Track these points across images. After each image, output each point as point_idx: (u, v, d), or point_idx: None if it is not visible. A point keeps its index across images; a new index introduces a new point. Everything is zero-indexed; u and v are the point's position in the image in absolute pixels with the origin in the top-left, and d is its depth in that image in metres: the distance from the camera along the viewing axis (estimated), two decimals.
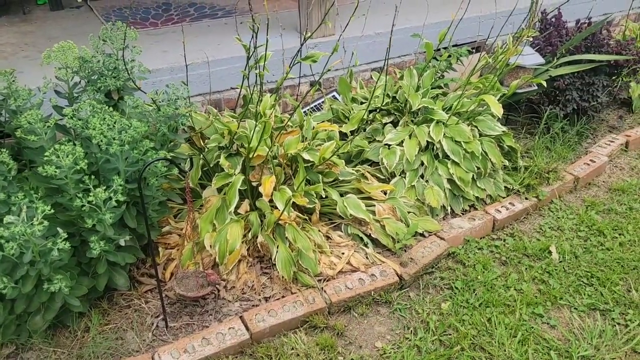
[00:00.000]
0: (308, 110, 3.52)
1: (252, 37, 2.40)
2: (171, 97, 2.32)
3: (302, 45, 2.64)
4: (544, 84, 3.28)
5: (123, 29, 2.40)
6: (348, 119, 3.21)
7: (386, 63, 3.02)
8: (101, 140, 1.98)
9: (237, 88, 3.42)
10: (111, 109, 2.12)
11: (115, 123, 2.01)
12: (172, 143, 2.50)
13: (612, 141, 3.65)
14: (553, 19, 3.76)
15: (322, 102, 3.55)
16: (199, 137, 2.83)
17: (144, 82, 2.93)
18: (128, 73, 2.33)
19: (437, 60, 3.46)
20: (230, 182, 2.58)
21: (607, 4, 4.85)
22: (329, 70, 2.73)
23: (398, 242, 2.69)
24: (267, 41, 2.35)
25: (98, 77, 2.37)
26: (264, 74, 2.51)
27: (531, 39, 3.49)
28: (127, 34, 2.35)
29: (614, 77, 3.71)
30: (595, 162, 3.39)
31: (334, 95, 3.61)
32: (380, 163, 3.01)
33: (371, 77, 3.85)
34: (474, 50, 4.04)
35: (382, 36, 3.88)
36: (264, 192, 2.58)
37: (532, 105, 3.75)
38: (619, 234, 2.90)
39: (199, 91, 3.35)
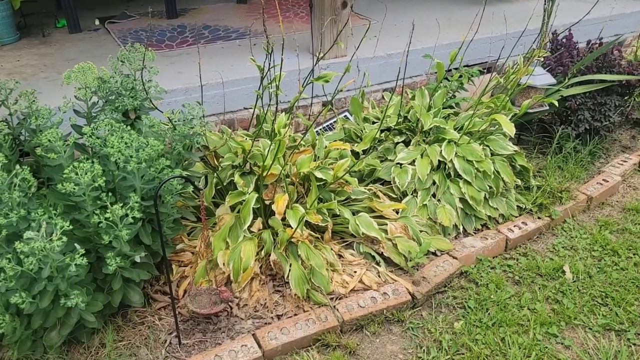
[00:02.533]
0: (320, 130, 3.55)
1: (266, 57, 2.46)
2: (187, 116, 2.37)
3: (314, 65, 2.69)
4: (556, 103, 3.30)
5: (141, 50, 2.46)
6: (360, 139, 3.24)
7: (397, 83, 3.06)
8: (119, 158, 2.02)
9: (250, 108, 3.47)
10: (128, 128, 2.17)
11: (132, 141, 2.05)
12: (186, 162, 2.53)
13: (625, 161, 3.64)
14: (564, 40, 3.79)
15: (334, 122, 3.59)
16: (212, 156, 2.87)
17: (159, 102, 2.99)
18: (146, 93, 2.39)
19: (449, 80, 3.49)
20: (244, 200, 2.60)
21: (618, 25, 4.88)
22: (340, 90, 2.78)
23: (410, 260, 2.69)
24: (282, 61, 2.40)
25: (116, 97, 2.43)
26: (278, 94, 2.56)
27: (542, 59, 3.51)
28: (145, 55, 2.41)
29: (626, 97, 3.72)
30: (608, 181, 3.38)
31: (345, 115, 3.65)
32: (392, 182, 3.03)
33: (382, 98, 3.89)
34: (485, 71, 4.07)
35: (394, 57, 3.93)
36: (277, 210, 2.60)
37: (544, 125, 3.76)
38: (634, 254, 2.88)
39: (212, 111, 3.41)
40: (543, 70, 3.48)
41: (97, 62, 2.56)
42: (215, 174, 2.78)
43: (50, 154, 2.07)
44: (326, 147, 3.01)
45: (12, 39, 4.05)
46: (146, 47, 2.45)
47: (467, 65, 3.90)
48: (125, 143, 2.03)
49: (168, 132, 2.39)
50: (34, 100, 2.42)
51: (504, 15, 3.93)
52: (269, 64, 2.50)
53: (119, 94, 2.41)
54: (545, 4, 3.43)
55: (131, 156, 2.03)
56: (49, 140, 2.05)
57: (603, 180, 3.40)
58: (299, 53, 3.58)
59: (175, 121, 2.38)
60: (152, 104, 2.49)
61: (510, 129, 3.04)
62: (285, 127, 2.80)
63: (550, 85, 3.47)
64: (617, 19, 4.87)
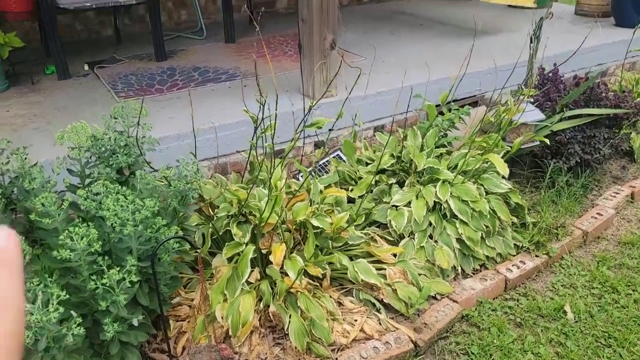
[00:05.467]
0: (313, 169, 3.55)
1: (260, 109, 2.46)
2: (182, 171, 2.35)
3: (307, 114, 2.69)
4: (547, 141, 3.33)
5: (134, 105, 2.45)
6: (354, 181, 3.24)
7: (388, 120, 3.07)
8: (115, 222, 1.99)
9: (243, 151, 3.46)
10: (124, 188, 2.14)
11: (129, 204, 2.02)
12: (182, 215, 2.50)
13: (617, 193, 3.66)
14: (550, 74, 3.85)
15: (327, 161, 3.58)
16: (207, 205, 2.85)
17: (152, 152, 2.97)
18: (140, 152, 2.37)
19: (440, 118, 3.52)
20: (242, 252, 2.57)
21: (602, 54, 4.98)
22: (332, 131, 2.78)
23: (411, 306, 2.66)
24: (275, 114, 2.40)
25: (109, 154, 2.40)
26: (272, 147, 2.56)
27: (532, 99, 3.55)
28: (139, 111, 2.40)
29: (614, 129, 3.76)
30: (602, 215, 3.40)
31: (338, 155, 3.65)
32: (388, 225, 3.01)
33: (374, 136, 3.90)
34: (476, 104, 4.11)
35: (384, 94, 3.95)
36: (275, 261, 2.57)
37: (535, 159, 3.79)
38: (633, 290, 2.88)
39: (205, 155, 3.39)
40: (532, 106, 3.52)
41: (88, 108, 2.54)
42: (210, 223, 2.75)
43: (44, 218, 2.03)
44: (321, 192, 3.00)
45: (0, 88, 4.02)
46: (142, 103, 2.43)
47: (456, 100, 3.94)
48: (121, 206, 2.01)
49: (163, 188, 2.37)
50: (25, 158, 2.38)
51: (490, 49, 3.99)
52: (262, 114, 2.50)
53: (112, 151, 2.39)
54: (531, 42, 3.48)
55: (128, 219, 2.00)
56: (43, 205, 2.01)
57: (597, 214, 3.41)
58: (289, 94, 3.59)
59: (170, 177, 2.35)
60: (147, 162, 2.47)
61: (504, 170, 3.06)
62: (281, 179, 2.80)
63: (539, 120, 3.50)
64: (600, 48, 4.96)
